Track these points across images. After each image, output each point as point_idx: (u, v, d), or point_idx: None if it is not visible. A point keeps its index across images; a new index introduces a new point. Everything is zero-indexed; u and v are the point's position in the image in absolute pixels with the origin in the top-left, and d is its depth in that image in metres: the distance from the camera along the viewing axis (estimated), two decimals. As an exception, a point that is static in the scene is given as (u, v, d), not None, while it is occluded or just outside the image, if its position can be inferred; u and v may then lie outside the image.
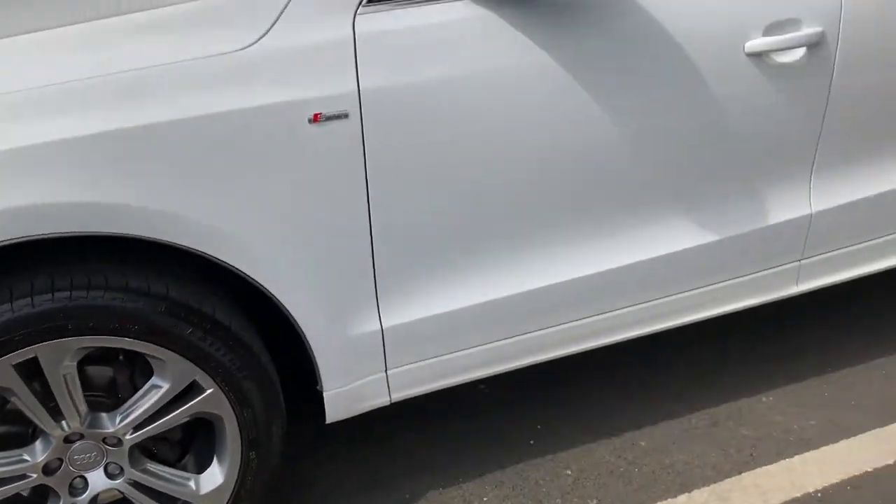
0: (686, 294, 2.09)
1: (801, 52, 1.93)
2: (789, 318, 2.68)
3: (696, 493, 2.04)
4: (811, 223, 2.13)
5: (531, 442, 2.22)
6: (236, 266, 1.59)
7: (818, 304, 2.70)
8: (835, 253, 2.22)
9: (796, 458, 2.14)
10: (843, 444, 2.19)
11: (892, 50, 2.03)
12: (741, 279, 2.15)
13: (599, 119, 1.79)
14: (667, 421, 2.29)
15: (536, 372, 2.11)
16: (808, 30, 1.92)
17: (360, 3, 1.62)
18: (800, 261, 2.19)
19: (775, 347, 2.57)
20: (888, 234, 2.26)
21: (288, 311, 1.67)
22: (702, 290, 2.10)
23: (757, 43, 1.87)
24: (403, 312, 1.78)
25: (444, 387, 1.93)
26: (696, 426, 2.26)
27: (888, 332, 2.62)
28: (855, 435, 2.21)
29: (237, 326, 1.65)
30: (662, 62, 1.82)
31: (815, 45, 1.93)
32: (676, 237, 2.00)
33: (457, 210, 1.75)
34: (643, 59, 1.81)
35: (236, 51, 1.54)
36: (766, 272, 2.17)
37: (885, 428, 2.24)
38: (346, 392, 1.80)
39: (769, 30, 1.89)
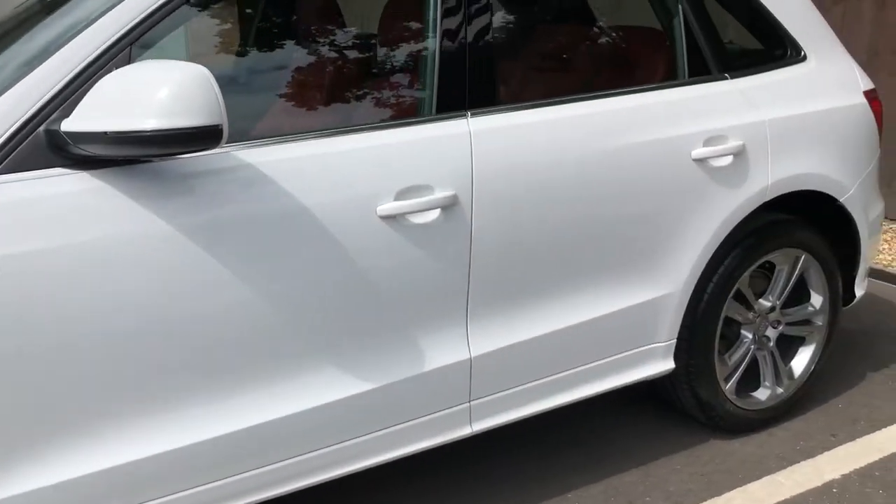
0: (355, 441, 2.14)
1: (435, 213, 2.09)
2: (489, 449, 2.78)
3: None
4: (472, 366, 2.26)
5: None
6: None
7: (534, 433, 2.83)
8: (502, 394, 2.35)
9: None
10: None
11: (525, 206, 2.23)
12: (412, 423, 2.23)
13: (226, 284, 1.87)
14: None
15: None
16: (440, 193, 2.09)
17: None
18: (469, 402, 2.31)
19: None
20: (551, 376, 2.41)
21: None
22: (371, 436, 2.17)
23: (388, 207, 2.03)
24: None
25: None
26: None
27: (613, 461, 2.75)
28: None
29: None
30: (295, 229, 1.93)
31: (449, 206, 2.10)
32: (331, 388, 2.07)
33: (57, 385, 1.74)
34: (276, 228, 1.91)
35: None
36: (436, 415, 2.26)
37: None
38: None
39: (400, 195, 2.05)
